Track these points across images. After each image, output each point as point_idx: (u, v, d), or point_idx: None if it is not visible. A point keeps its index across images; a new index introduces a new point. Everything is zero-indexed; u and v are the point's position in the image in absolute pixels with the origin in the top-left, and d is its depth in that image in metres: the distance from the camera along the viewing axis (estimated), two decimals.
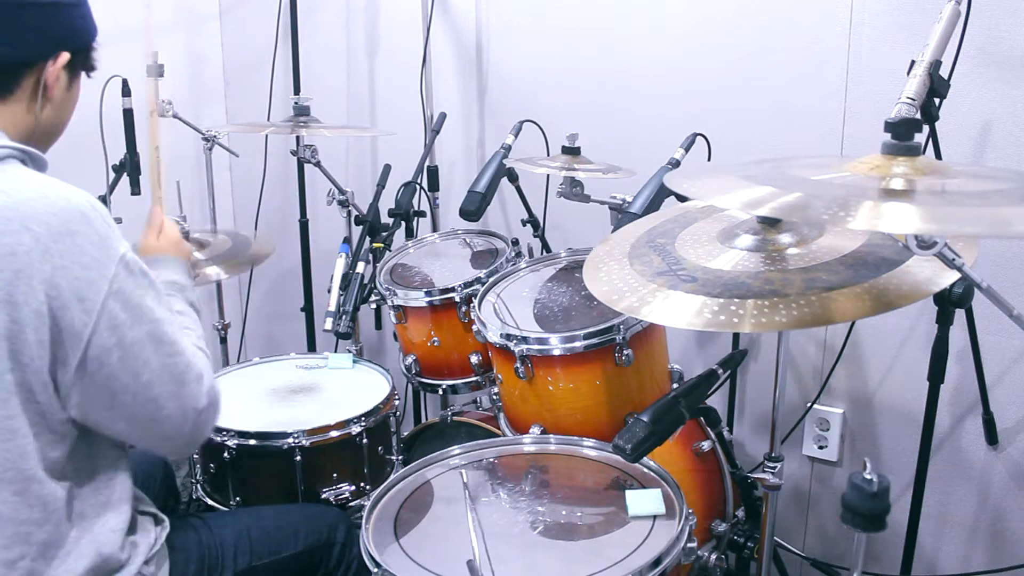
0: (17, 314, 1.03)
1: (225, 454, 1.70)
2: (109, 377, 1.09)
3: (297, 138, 2.21)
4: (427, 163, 2.34)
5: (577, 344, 1.54)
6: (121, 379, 1.10)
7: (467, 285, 1.84)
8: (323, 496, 1.73)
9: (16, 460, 1.07)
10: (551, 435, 1.55)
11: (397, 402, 1.88)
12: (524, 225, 2.18)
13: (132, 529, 1.23)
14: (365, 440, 1.76)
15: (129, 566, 1.20)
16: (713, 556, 1.58)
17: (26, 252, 1.03)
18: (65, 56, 1.21)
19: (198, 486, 1.82)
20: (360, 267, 1.93)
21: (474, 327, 1.68)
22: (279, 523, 1.48)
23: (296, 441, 1.68)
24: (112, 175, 2.27)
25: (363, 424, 1.75)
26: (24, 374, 1.06)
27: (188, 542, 1.34)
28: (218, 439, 1.70)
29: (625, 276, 1.24)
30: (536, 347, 1.56)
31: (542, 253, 2.16)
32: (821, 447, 2.05)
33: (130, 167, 2.23)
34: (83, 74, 1.28)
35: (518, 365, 1.57)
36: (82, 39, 1.25)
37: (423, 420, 2.46)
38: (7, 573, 1.09)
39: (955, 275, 1.07)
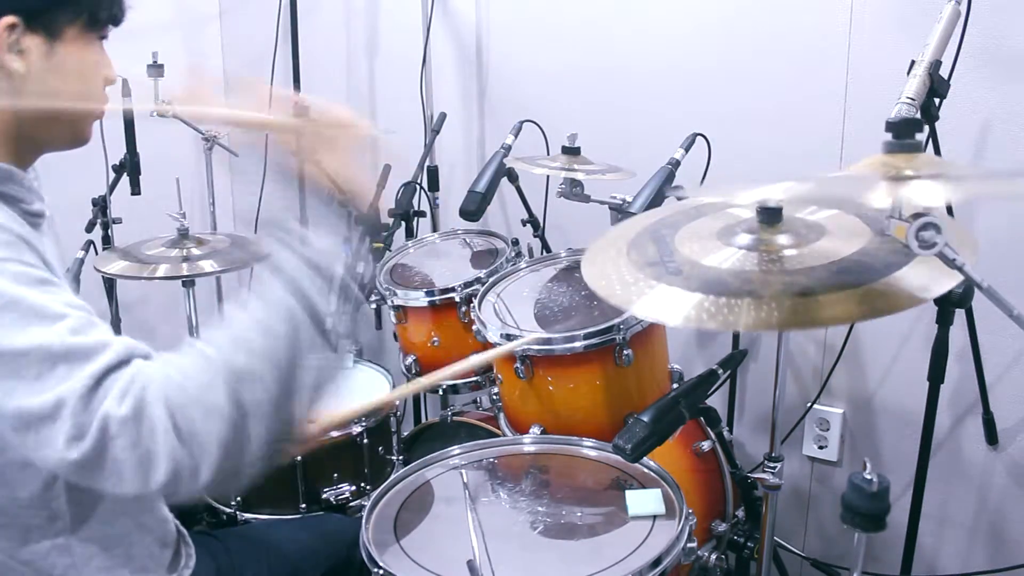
0: None
1: None
2: None
3: None
4: (427, 163, 2.34)
5: (577, 344, 1.54)
6: None
7: (467, 285, 1.84)
8: (323, 496, 1.73)
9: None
10: (551, 435, 1.55)
11: (397, 402, 1.88)
12: (524, 225, 2.18)
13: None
14: (365, 440, 1.76)
15: None
16: (713, 556, 1.58)
17: None
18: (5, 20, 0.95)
19: None
20: (360, 267, 1.93)
21: (474, 327, 1.67)
22: (298, 545, 1.43)
23: None
24: (112, 175, 2.27)
25: (363, 424, 1.75)
26: None
27: (206, 569, 1.26)
28: None
29: (619, 267, 1.21)
30: (536, 347, 1.56)
31: (542, 253, 2.16)
32: (821, 447, 2.05)
33: (130, 167, 2.23)
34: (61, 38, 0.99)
35: (518, 365, 1.57)
36: None
37: (423, 420, 2.46)
38: None
39: (948, 285, 1.06)
